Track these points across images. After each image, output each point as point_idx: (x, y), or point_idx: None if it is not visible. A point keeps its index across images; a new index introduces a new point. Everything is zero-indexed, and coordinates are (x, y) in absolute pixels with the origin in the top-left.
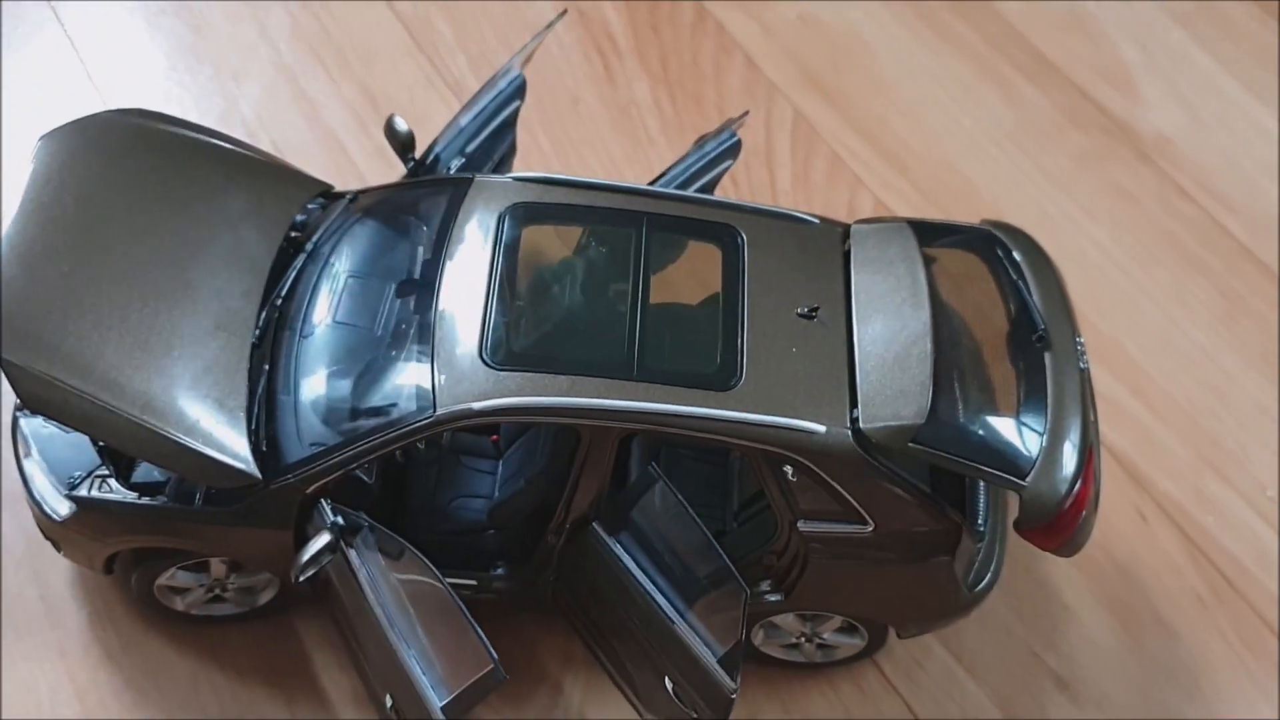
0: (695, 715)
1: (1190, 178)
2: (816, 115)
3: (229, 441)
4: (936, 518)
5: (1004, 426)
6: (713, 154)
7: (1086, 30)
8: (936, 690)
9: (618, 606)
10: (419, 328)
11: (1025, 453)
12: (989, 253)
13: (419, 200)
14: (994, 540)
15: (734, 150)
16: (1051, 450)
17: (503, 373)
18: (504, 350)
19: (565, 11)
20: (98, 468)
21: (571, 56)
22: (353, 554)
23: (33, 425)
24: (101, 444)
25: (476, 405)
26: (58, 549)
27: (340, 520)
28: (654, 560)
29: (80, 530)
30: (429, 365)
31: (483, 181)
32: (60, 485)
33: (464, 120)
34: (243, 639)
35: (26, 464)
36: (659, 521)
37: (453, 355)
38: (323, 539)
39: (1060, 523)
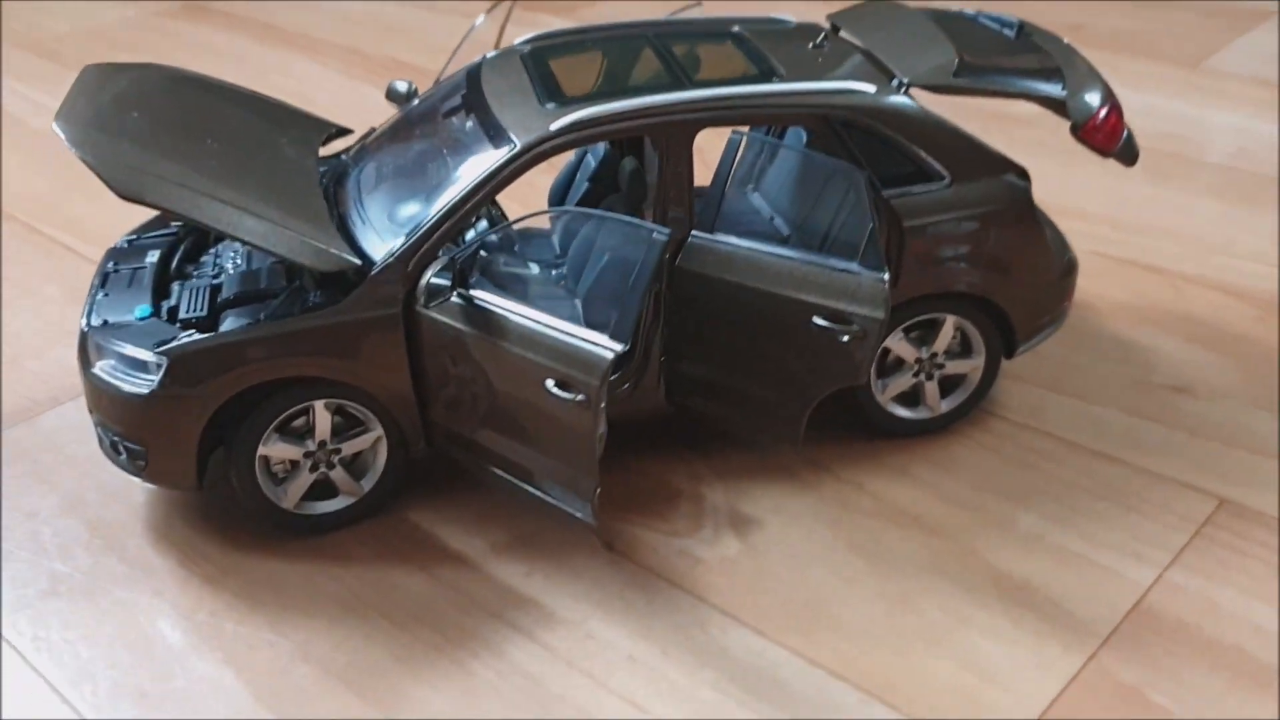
0: (854, 328)
1: None
2: None
3: (322, 234)
4: (1003, 167)
5: (1030, 68)
6: None
7: None
8: (1065, 419)
9: (745, 295)
10: (482, 126)
11: (1055, 79)
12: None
13: (441, 91)
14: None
15: None
16: (1079, 81)
17: (567, 106)
18: (562, 96)
19: (492, 7)
20: (181, 333)
21: None
22: (475, 291)
23: (101, 334)
24: (188, 310)
25: (554, 126)
26: (140, 468)
27: (456, 254)
28: (762, 229)
29: (176, 391)
30: (500, 129)
31: (492, 55)
32: (147, 353)
33: None
34: (355, 539)
35: (97, 369)
36: (757, 189)
37: (518, 114)
38: (439, 264)
39: (1109, 123)
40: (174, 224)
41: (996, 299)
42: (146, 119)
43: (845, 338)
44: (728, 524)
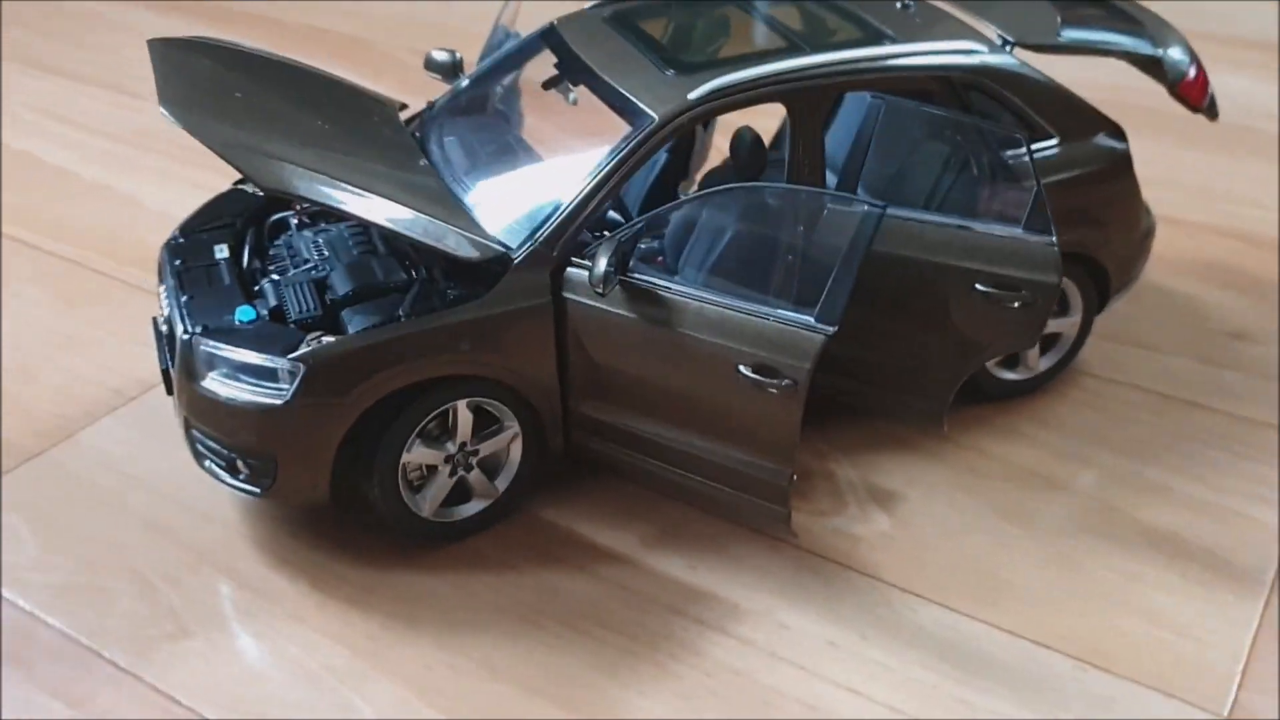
0: (1023, 294)
1: None
2: None
3: (460, 222)
4: (1102, 126)
5: (1120, 26)
6: None
7: None
8: (1146, 372)
9: (895, 265)
10: (602, 98)
11: (1144, 37)
12: None
13: (512, 61)
14: None
15: None
16: (1165, 39)
17: (695, 75)
18: (680, 63)
19: None
20: (311, 335)
21: None
22: (641, 276)
23: (208, 341)
24: (298, 310)
25: (692, 95)
26: (265, 485)
27: (621, 237)
28: (908, 193)
29: (315, 399)
30: (627, 101)
31: (565, 19)
32: (278, 360)
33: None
34: (495, 544)
35: (210, 380)
36: (897, 144)
37: (642, 84)
38: (609, 249)
39: (1200, 81)
40: (226, 216)
41: (1100, 257)
42: (249, 100)
43: (1015, 304)
44: (870, 499)
